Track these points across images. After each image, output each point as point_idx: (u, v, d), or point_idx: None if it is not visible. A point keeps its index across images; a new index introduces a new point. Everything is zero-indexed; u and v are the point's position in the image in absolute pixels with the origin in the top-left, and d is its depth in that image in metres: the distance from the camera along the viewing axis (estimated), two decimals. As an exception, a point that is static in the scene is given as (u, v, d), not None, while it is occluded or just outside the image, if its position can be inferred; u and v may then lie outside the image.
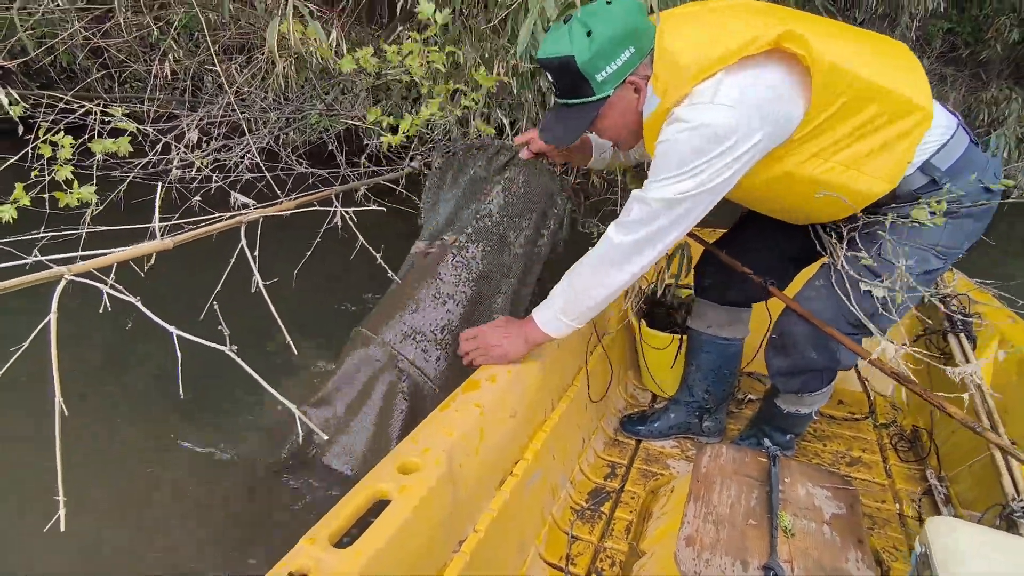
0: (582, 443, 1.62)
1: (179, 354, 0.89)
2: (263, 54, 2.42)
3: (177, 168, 1.97)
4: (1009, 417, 1.41)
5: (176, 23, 2.15)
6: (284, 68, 1.73)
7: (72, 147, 1.38)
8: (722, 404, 1.73)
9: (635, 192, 1.11)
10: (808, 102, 1.03)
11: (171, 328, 0.89)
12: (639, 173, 1.64)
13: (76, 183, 1.34)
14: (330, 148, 2.54)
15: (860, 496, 1.15)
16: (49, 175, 1.32)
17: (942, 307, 1.61)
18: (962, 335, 1.56)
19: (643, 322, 1.86)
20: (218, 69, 1.94)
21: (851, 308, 1.24)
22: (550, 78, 1.13)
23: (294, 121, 2.79)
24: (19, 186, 1.24)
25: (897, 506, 1.49)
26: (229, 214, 1.25)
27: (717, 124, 0.99)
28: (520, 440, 1.35)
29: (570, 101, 1.13)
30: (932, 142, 1.12)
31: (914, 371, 1.81)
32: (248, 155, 2.09)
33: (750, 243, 1.50)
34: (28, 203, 1.28)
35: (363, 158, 2.02)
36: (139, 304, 0.92)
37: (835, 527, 1.07)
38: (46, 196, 1.28)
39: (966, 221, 1.19)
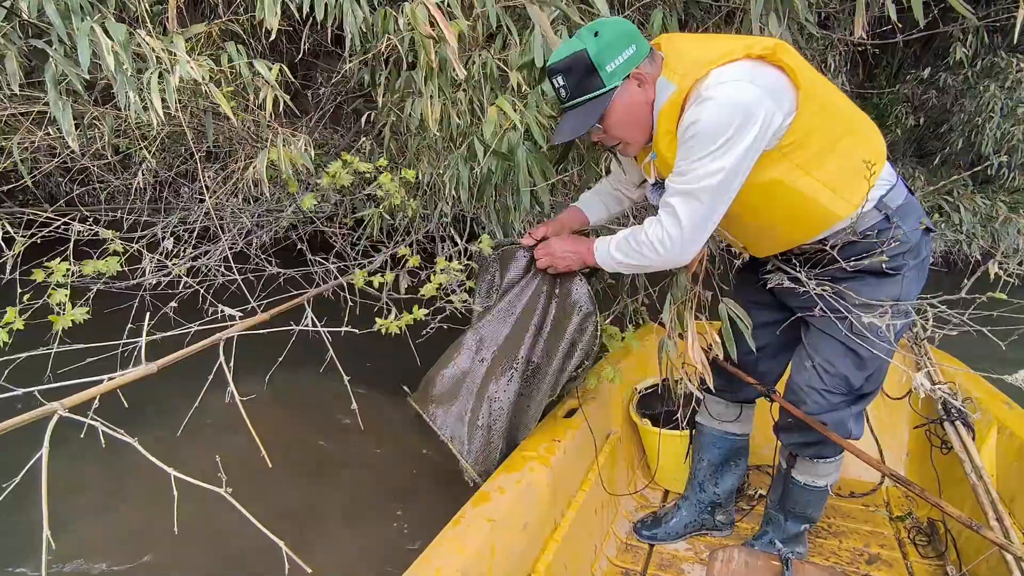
0: (594, 550, 1.64)
1: (175, 493, 0.91)
2: (235, 162, 2.59)
3: (152, 276, 2.05)
4: (1017, 507, 1.46)
5: (156, 140, 2.33)
6: (255, 175, 1.89)
7: (47, 267, 1.40)
8: (732, 496, 1.80)
9: (670, 184, 1.24)
10: (796, 107, 1.19)
11: (169, 469, 0.92)
12: None
13: (69, 306, 1.36)
14: (299, 247, 2.65)
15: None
16: (28, 295, 1.35)
17: (933, 394, 1.70)
18: (958, 423, 1.64)
19: (646, 421, 1.92)
20: (190, 182, 2.07)
21: (842, 372, 1.39)
22: (559, 82, 1.28)
23: (264, 224, 2.94)
24: (12, 310, 1.28)
25: (921, 607, 1.51)
26: (208, 327, 1.33)
27: (743, 97, 1.13)
28: (532, 553, 1.38)
29: (580, 99, 1.27)
30: (884, 181, 1.32)
31: (920, 461, 1.89)
32: (223, 259, 2.19)
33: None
34: (22, 327, 1.32)
35: (331, 255, 2.12)
36: (136, 444, 0.94)
37: (856, 636, 1.09)
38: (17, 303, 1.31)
39: (920, 270, 1.38)
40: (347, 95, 3.25)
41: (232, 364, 1.27)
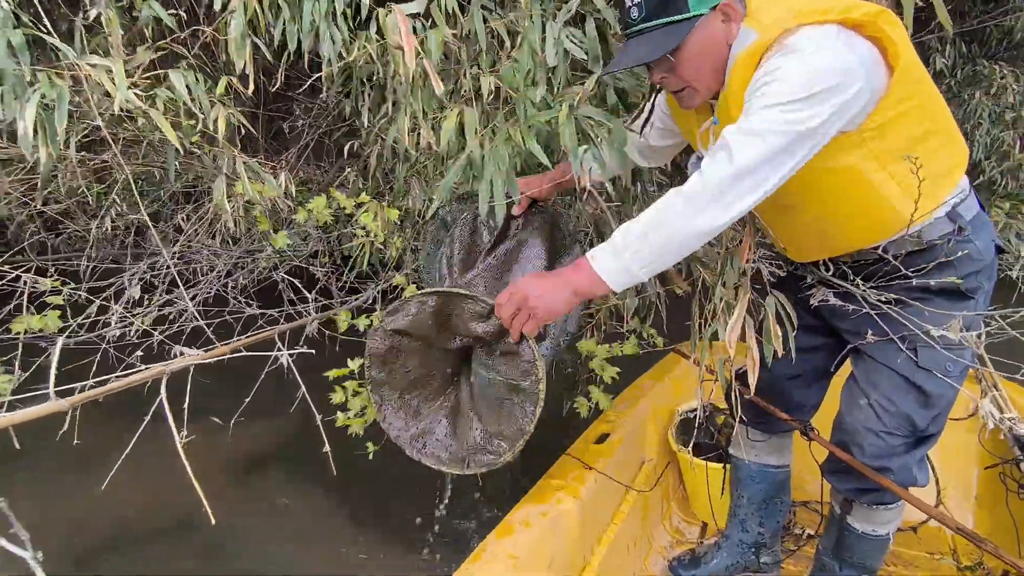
0: (626, 592, 1.49)
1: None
2: (210, 202, 2.51)
3: (116, 328, 1.93)
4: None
5: (119, 181, 2.25)
6: (233, 215, 1.79)
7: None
8: (777, 536, 1.69)
9: (730, 128, 1.05)
10: (887, 88, 1.08)
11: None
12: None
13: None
14: (279, 287, 2.56)
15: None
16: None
17: (1008, 433, 1.60)
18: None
19: (686, 450, 1.81)
20: (164, 223, 1.98)
21: (905, 411, 1.26)
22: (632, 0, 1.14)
23: (243, 265, 2.81)
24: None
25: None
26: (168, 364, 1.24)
27: (834, 57, 1.01)
28: (559, 595, 1.25)
29: (655, 22, 1.12)
30: (960, 189, 1.24)
31: (991, 506, 1.75)
32: (195, 304, 2.08)
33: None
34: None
35: (314, 292, 2.04)
36: (4, 506, 0.86)
37: None
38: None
39: (988, 290, 1.28)
40: (327, 128, 3.22)
41: (190, 403, 1.25)
